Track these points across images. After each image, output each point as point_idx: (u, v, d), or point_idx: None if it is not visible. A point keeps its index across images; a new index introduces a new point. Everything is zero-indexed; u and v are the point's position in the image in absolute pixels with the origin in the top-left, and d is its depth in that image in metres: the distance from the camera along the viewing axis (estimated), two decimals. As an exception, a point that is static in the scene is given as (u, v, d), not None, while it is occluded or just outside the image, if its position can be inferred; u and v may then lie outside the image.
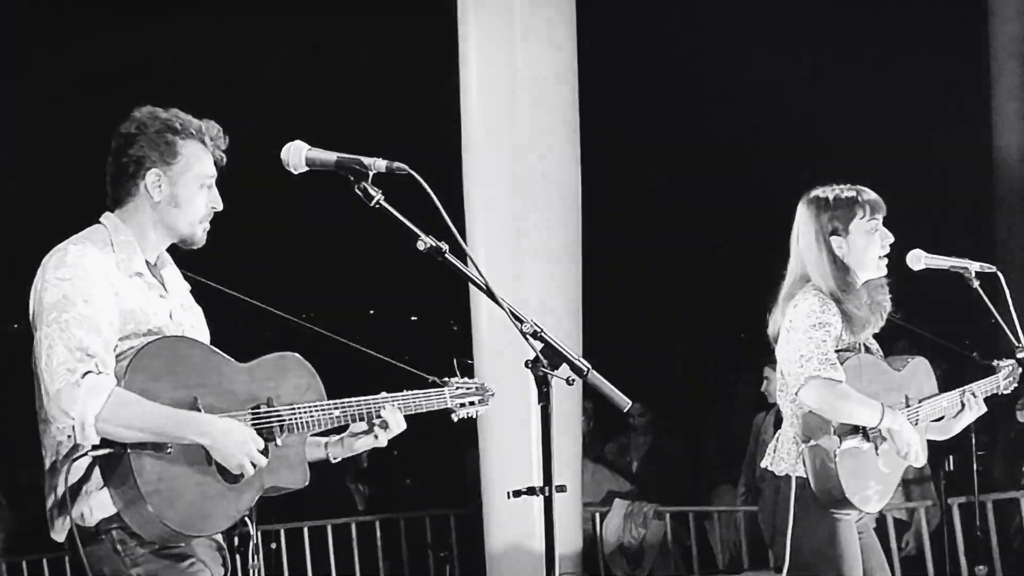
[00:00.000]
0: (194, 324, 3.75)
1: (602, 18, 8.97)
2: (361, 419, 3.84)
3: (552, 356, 3.23)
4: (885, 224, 4.74)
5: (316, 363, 3.81)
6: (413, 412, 3.95)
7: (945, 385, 4.97)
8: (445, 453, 10.20)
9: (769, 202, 5.85)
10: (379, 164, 3.26)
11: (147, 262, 3.66)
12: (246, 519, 3.67)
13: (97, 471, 3.43)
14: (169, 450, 3.42)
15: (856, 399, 4.54)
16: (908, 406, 4.76)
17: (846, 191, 4.72)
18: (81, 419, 3.35)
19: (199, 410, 3.48)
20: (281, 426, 3.64)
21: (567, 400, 7.73)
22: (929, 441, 4.89)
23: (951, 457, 7.64)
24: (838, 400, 4.51)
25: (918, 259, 4.92)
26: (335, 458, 3.91)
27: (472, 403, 4.08)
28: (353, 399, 3.81)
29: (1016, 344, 4.98)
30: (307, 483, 3.73)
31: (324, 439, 3.89)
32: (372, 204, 3.25)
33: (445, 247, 3.24)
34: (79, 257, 3.51)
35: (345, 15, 11.77)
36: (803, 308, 4.60)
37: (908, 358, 4.89)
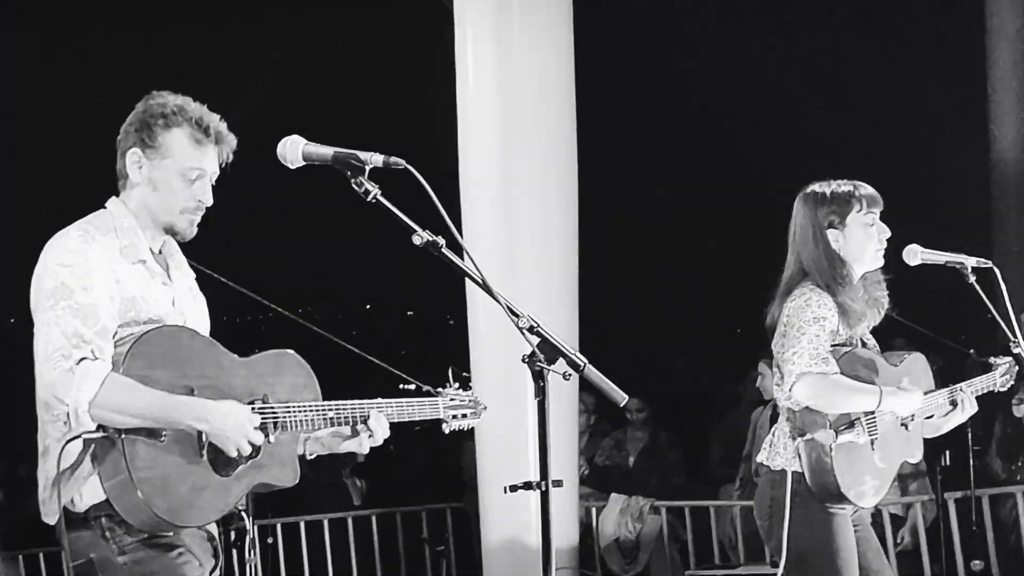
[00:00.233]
0: (196, 313, 3.74)
1: (600, 16, 8.97)
2: (354, 423, 3.83)
3: (548, 351, 3.24)
4: (882, 219, 4.75)
5: (314, 359, 3.80)
6: (406, 420, 3.95)
7: (942, 381, 4.98)
8: (441, 448, 10.20)
9: (767, 198, 5.86)
10: (376, 159, 3.26)
11: (150, 249, 3.65)
12: (243, 514, 3.67)
13: (88, 457, 3.42)
14: (163, 437, 3.41)
15: (851, 387, 4.55)
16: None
17: (843, 185, 4.74)
18: (75, 405, 3.35)
19: None
20: (275, 423, 3.63)
21: (563, 395, 7.73)
22: (923, 437, 4.90)
23: (947, 452, 7.65)
24: (833, 391, 4.51)
25: (915, 254, 4.93)
26: (311, 454, 3.88)
27: (464, 415, 4.10)
28: (348, 402, 3.80)
29: (1012, 340, 4.98)
30: (297, 481, 3.72)
31: (306, 434, 3.87)
32: (369, 199, 3.24)
33: (442, 242, 3.23)
34: (81, 243, 3.51)
35: (344, 15, 11.79)
36: (799, 303, 4.60)
37: (905, 354, 4.90)
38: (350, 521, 9.09)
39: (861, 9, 11.53)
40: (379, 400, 3.88)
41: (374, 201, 3.24)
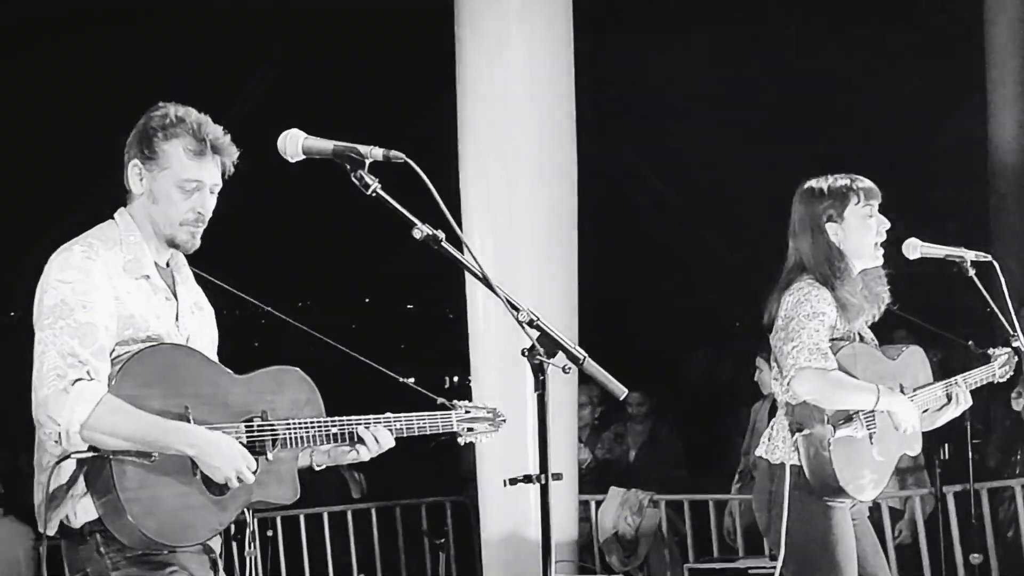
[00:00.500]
0: (203, 328, 3.73)
1: (599, 14, 8.97)
2: (358, 439, 3.80)
3: (548, 344, 3.24)
4: (881, 213, 4.76)
5: (320, 372, 3.78)
6: (417, 434, 3.92)
7: (941, 374, 4.98)
8: (440, 441, 10.20)
9: (766, 194, 5.86)
10: (376, 152, 3.25)
11: (155, 263, 3.64)
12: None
13: (82, 476, 3.43)
14: (154, 458, 3.40)
15: (850, 385, 4.56)
16: (903, 394, 4.78)
17: (840, 179, 4.75)
18: (67, 426, 3.36)
19: (189, 420, 3.46)
20: (274, 440, 3.62)
21: (563, 388, 7.74)
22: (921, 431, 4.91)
23: (946, 445, 7.65)
24: (832, 387, 4.52)
25: (914, 248, 4.93)
26: (319, 465, 3.87)
27: (481, 429, 4.04)
28: (352, 418, 3.78)
29: (1011, 333, 4.99)
30: (297, 498, 3.70)
31: (312, 447, 3.83)
32: (369, 192, 3.24)
33: (441, 235, 3.23)
34: (83, 259, 3.51)
35: (344, 14, 11.79)
36: (798, 297, 4.61)
37: (903, 347, 4.90)
38: (349, 514, 9.09)
39: (859, 1, 11.53)
40: (389, 415, 3.85)
41: (374, 195, 3.24)
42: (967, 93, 10.98)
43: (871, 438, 4.64)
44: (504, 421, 4.09)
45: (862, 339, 4.77)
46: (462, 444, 4.08)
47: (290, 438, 3.65)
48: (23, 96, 11.16)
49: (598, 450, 9.79)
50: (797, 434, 4.58)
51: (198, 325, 3.72)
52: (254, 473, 3.54)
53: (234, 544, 3.74)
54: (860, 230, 4.71)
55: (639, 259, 12.64)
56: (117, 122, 3.71)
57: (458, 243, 3.26)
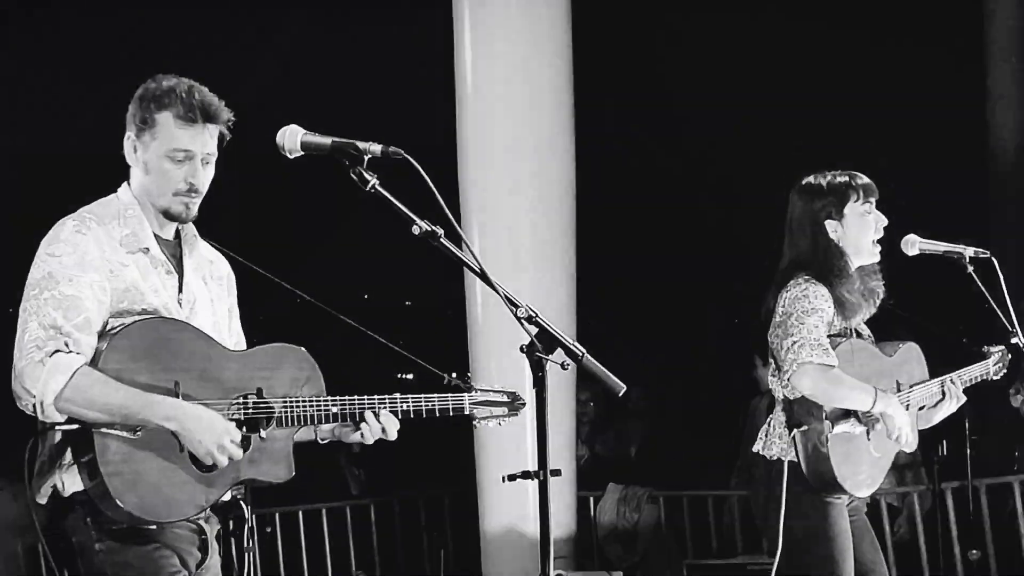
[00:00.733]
0: (213, 299, 3.71)
1: (597, 10, 8.96)
2: (360, 418, 3.75)
3: (547, 341, 3.24)
4: (879, 209, 4.76)
5: (329, 352, 3.75)
6: (424, 416, 3.86)
7: (938, 371, 4.98)
8: (439, 435, 10.18)
9: (764, 189, 5.86)
10: (374, 148, 3.25)
11: (157, 236, 3.63)
12: (241, 503, 3.66)
13: (69, 447, 3.42)
14: (138, 432, 3.39)
15: (849, 384, 4.56)
16: (899, 391, 4.78)
17: (839, 176, 4.75)
18: (40, 397, 3.35)
19: (177, 395, 3.44)
20: (268, 418, 3.60)
21: (562, 384, 7.74)
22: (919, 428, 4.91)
23: (944, 442, 7.66)
24: (831, 385, 4.52)
25: (913, 244, 4.93)
26: (323, 439, 3.83)
27: (500, 413, 3.96)
28: (354, 397, 3.73)
29: (1009, 329, 4.99)
30: (291, 476, 3.67)
31: (313, 426, 3.79)
32: (367, 188, 3.24)
33: (440, 231, 3.23)
34: (74, 232, 3.50)
35: (343, 10, 11.76)
36: (795, 294, 4.61)
37: (899, 343, 4.90)
38: (348, 510, 9.10)
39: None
40: (397, 396, 3.80)
41: (372, 191, 3.24)
42: (966, 90, 10.97)
43: (868, 434, 4.65)
44: (524, 405, 3.98)
45: (859, 335, 4.77)
46: (477, 427, 4.01)
47: (286, 416, 3.62)
48: (23, 92, 11.15)
49: (599, 446, 9.79)
50: (795, 430, 4.58)
51: (208, 297, 3.70)
52: (245, 451, 3.52)
53: (232, 540, 3.72)
54: (859, 228, 4.71)
55: (638, 258, 12.63)
56: (120, 107, 3.69)
57: (457, 239, 3.26)
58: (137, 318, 3.48)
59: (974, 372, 5.01)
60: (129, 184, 3.66)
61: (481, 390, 3.96)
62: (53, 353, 3.37)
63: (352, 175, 3.25)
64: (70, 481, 3.44)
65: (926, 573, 8.18)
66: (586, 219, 8.22)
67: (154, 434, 3.42)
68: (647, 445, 9.76)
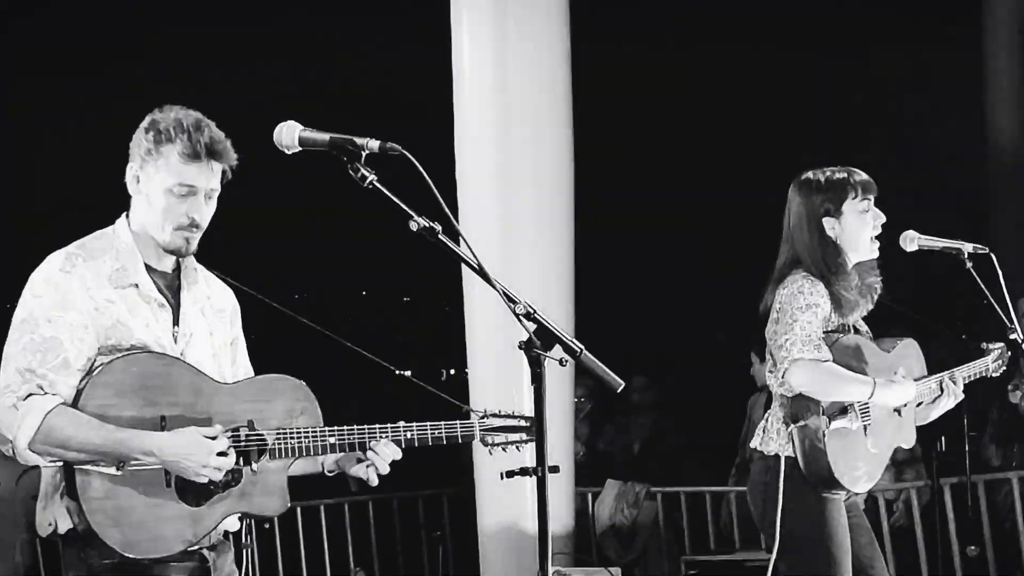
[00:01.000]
0: (209, 335, 3.67)
1: (596, 9, 8.96)
2: (362, 447, 3.71)
3: (545, 337, 3.23)
4: (878, 206, 4.76)
5: (320, 368, 3.72)
6: (431, 444, 3.83)
7: (936, 367, 4.98)
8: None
9: (763, 185, 5.85)
10: (372, 144, 3.24)
11: (150, 268, 3.60)
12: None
13: (62, 484, 3.42)
14: (122, 468, 3.38)
15: (845, 376, 4.56)
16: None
17: (837, 172, 4.74)
18: (14, 441, 3.36)
19: (163, 429, 3.42)
20: (261, 450, 3.56)
21: (559, 381, 7.74)
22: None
23: (943, 438, 7.66)
24: (827, 379, 4.52)
25: (911, 240, 4.93)
26: (330, 472, 3.82)
27: (515, 439, 3.90)
28: (352, 427, 3.67)
29: (1008, 326, 4.99)
30: (286, 509, 3.64)
31: (323, 456, 3.75)
32: (365, 185, 3.23)
33: (438, 228, 3.23)
34: (58, 271, 3.49)
35: (342, 9, 11.77)
36: (791, 290, 4.61)
37: (898, 339, 4.90)
38: (346, 508, 9.10)
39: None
40: (402, 424, 3.76)
41: (370, 187, 3.23)
42: (965, 87, 10.97)
43: (865, 430, 4.65)
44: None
45: (857, 331, 4.77)
46: (491, 454, 3.94)
47: (280, 448, 3.58)
48: (20, 89, 11.15)
49: (601, 442, 9.79)
50: (792, 426, 4.58)
51: (207, 329, 3.67)
52: (236, 484, 3.49)
53: (231, 537, 3.71)
54: (857, 225, 4.71)
55: (638, 256, 12.63)
56: (118, 114, 3.68)
57: (455, 235, 3.25)
58: (120, 355, 3.45)
59: (973, 369, 5.01)
60: (128, 216, 3.63)
61: (490, 414, 3.90)
62: (27, 397, 3.37)
63: (350, 171, 3.24)
64: (62, 518, 3.43)
65: (924, 569, 8.19)
66: (587, 219, 8.21)
67: (139, 469, 3.40)
68: (648, 444, 9.75)
